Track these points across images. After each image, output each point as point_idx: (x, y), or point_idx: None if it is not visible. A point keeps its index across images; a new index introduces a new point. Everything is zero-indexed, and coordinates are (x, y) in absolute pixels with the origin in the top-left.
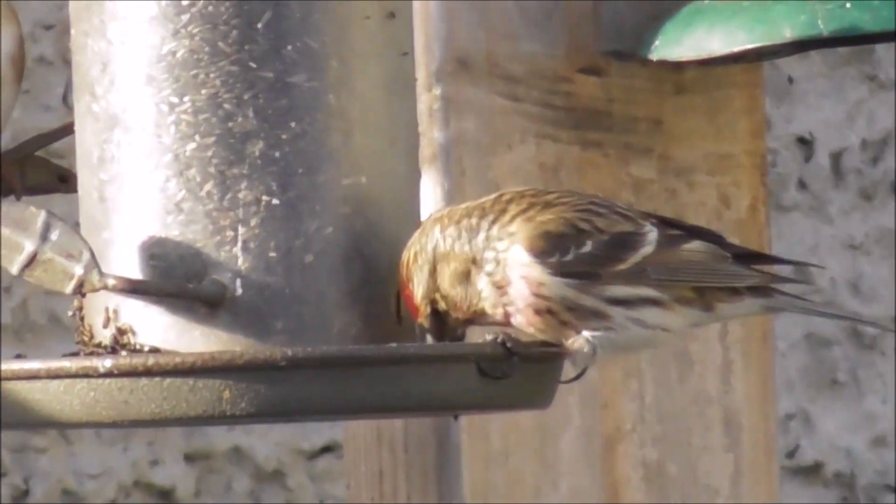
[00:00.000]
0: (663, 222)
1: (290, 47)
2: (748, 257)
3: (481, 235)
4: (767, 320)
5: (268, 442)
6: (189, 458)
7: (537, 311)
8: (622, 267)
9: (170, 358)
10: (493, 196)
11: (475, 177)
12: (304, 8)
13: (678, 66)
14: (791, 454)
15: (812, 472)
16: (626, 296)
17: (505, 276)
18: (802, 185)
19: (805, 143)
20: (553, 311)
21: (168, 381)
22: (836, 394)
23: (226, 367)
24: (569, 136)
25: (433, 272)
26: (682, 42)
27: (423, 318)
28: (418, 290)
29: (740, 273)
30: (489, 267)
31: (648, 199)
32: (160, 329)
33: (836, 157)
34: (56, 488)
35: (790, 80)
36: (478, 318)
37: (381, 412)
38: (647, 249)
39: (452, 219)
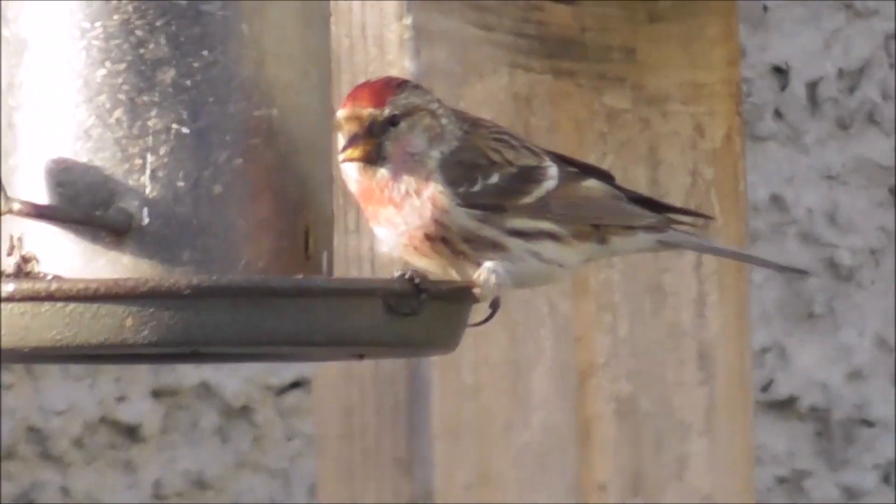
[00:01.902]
0: (560, 159)
1: None
2: (642, 200)
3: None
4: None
5: (236, 378)
6: (156, 394)
7: (428, 237)
8: (527, 200)
9: (73, 284)
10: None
11: None
12: None
13: None
14: (766, 388)
15: (787, 406)
16: (526, 228)
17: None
18: (778, 114)
19: (781, 72)
20: (448, 241)
21: (71, 306)
22: (812, 327)
23: (129, 293)
24: (541, 65)
25: (417, 109)
26: None
27: (358, 127)
28: (401, 100)
29: (637, 213)
30: (405, 156)
31: (622, 129)
32: (66, 257)
33: (812, 87)
34: (21, 425)
35: (765, 7)
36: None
37: (285, 345)
38: (550, 184)
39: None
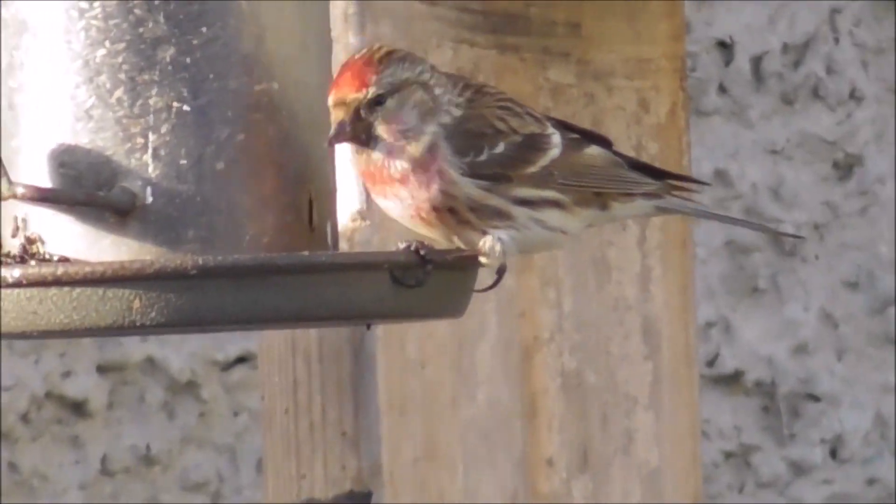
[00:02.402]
0: (561, 125)
1: None
2: (640, 167)
3: (453, 94)
4: (686, 226)
5: (182, 353)
6: (102, 369)
7: (435, 208)
8: (531, 170)
9: (79, 267)
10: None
11: None
12: None
13: None
14: (711, 362)
15: (732, 380)
16: (531, 196)
17: (419, 157)
18: (723, 89)
19: (725, 47)
20: (455, 210)
21: (78, 290)
22: (757, 301)
23: (136, 276)
24: (486, 40)
25: (406, 83)
26: None
27: (345, 110)
28: (384, 78)
29: (637, 180)
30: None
31: (566, 104)
32: (70, 238)
33: (757, 61)
34: None
35: None
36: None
37: (293, 321)
38: (554, 152)
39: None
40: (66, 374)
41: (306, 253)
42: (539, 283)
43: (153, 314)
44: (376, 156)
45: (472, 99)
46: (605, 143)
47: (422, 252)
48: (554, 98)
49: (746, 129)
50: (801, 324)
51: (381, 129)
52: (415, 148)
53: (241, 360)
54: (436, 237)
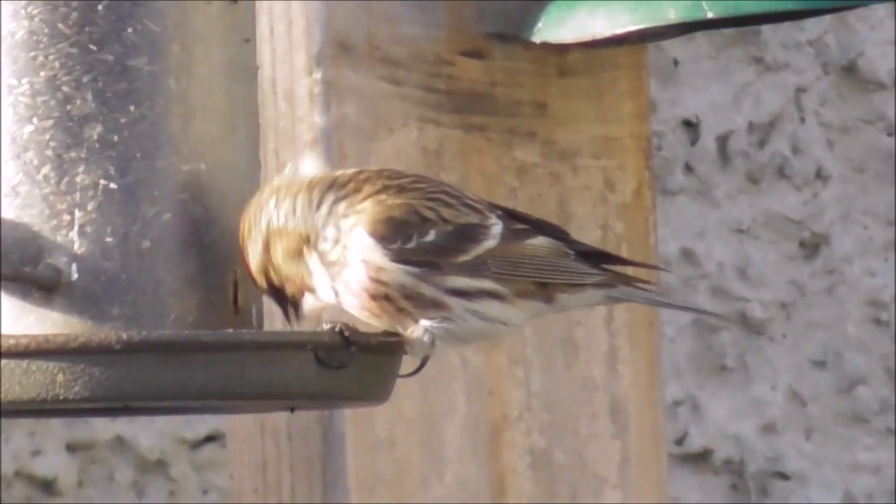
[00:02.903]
0: (510, 215)
1: (130, 30)
2: (595, 255)
3: (322, 210)
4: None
5: (151, 431)
6: (71, 447)
7: (373, 297)
8: (464, 258)
9: (3, 339)
10: (350, 171)
11: (357, 161)
12: None
13: (562, 49)
14: (679, 441)
15: (701, 459)
16: (465, 287)
17: (343, 257)
18: (689, 168)
19: (691, 126)
20: (390, 298)
21: (2, 363)
22: (725, 380)
23: (59, 349)
24: (451, 119)
25: (266, 246)
26: (565, 24)
27: (261, 291)
28: (252, 262)
29: (583, 271)
30: (324, 245)
31: (532, 184)
32: None
33: (723, 141)
34: None
35: (675, 62)
36: (312, 294)
37: (216, 398)
38: (490, 243)
39: (290, 191)
40: (36, 453)
41: (230, 330)
42: (507, 362)
43: (77, 388)
44: (306, 298)
45: (403, 189)
46: (560, 233)
47: (346, 333)
48: (520, 178)
49: (713, 208)
50: (768, 402)
51: (287, 290)
52: (310, 279)
53: (210, 438)
54: (385, 328)
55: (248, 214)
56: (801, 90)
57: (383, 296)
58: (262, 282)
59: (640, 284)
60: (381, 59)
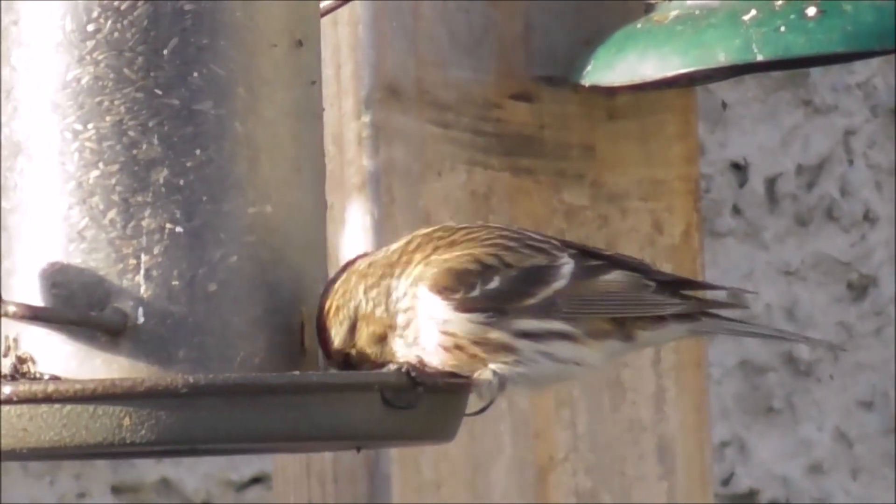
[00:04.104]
0: (585, 253)
1: (196, 74)
2: (678, 283)
3: (394, 295)
4: (700, 347)
5: (196, 473)
6: (116, 490)
7: (446, 349)
8: (531, 301)
9: (70, 384)
10: (401, 243)
11: (405, 205)
12: (210, 35)
13: (610, 92)
14: (726, 482)
15: (748, 499)
16: (533, 329)
17: (416, 327)
18: (737, 210)
19: (739, 169)
20: (461, 347)
21: (68, 408)
22: (772, 421)
23: (126, 393)
24: (500, 162)
25: (352, 329)
26: (614, 67)
27: (335, 365)
28: (335, 340)
29: (662, 302)
30: (401, 330)
31: (581, 226)
32: (61, 357)
33: (771, 183)
34: None
35: (724, 104)
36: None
37: (284, 441)
38: (560, 283)
39: (375, 278)
40: (82, 496)
41: (297, 373)
42: (554, 404)
43: (143, 432)
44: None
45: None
46: (638, 266)
47: (413, 374)
48: (568, 220)
49: (761, 250)
50: (815, 443)
51: (357, 358)
52: (394, 358)
53: (256, 480)
54: (464, 372)
55: (335, 294)
56: (849, 132)
57: (454, 346)
58: (339, 358)
59: (723, 313)
60: (430, 102)
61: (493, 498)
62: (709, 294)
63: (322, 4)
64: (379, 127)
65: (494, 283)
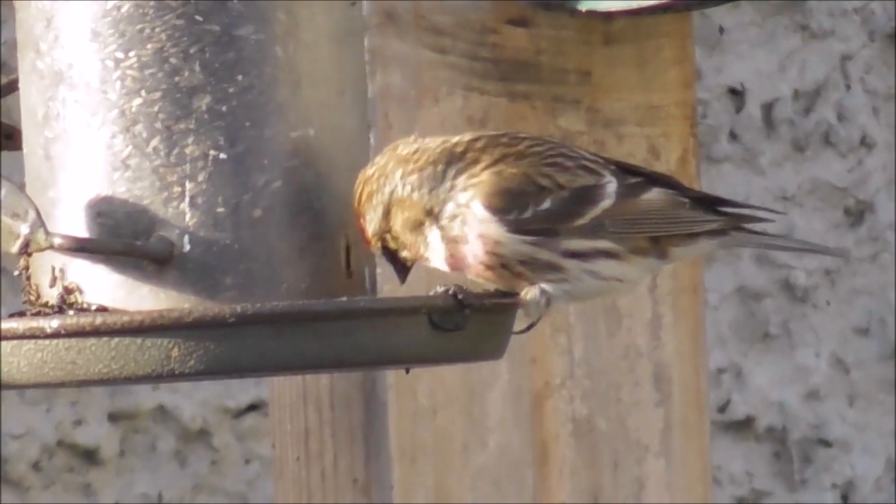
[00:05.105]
0: (623, 169)
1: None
2: (709, 200)
3: (445, 185)
4: (697, 272)
5: (193, 401)
6: (113, 417)
7: (489, 267)
8: (581, 222)
9: (117, 317)
10: (467, 138)
11: (402, 130)
12: None
13: (607, 17)
14: (722, 409)
15: (744, 426)
16: (582, 248)
17: (462, 232)
18: (733, 136)
19: (736, 94)
20: (507, 265)
21: (116, 340)
22: (768, 347)
23: (174, 324)
24: (496, 88)
25: (387, 214)
26: None
27: (375, 250)
28: (369, 226)
29: (699, 219)
30: (445, 221)
31: None
32: (108, 288)
33: (768, 108)
34: None
35: (721, 29)
36: (425, 263)
37: (333, 367)
38: (607, 203)
39: (417, 164)
40: (78, 423)
41: (344, 299)
42: (550, 331)
43: (192, 362)
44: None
45: (516, 158)
46: (672, 183)
47: (460, 296)
48: None
49: (757, 175)
50: (812, 370)
51: (402, 255)
52: (427, 251)
53: (252, 407)
54: (501, 287)
55: (370, 181)
56: (846, 58)
57: (500, 265)
58: (376, 244)
59: (753, 228)
60: (427, 27)
61: (488, 424)
62: (743, 211)
63: None
64: (376, 53)
65: (546, 205)
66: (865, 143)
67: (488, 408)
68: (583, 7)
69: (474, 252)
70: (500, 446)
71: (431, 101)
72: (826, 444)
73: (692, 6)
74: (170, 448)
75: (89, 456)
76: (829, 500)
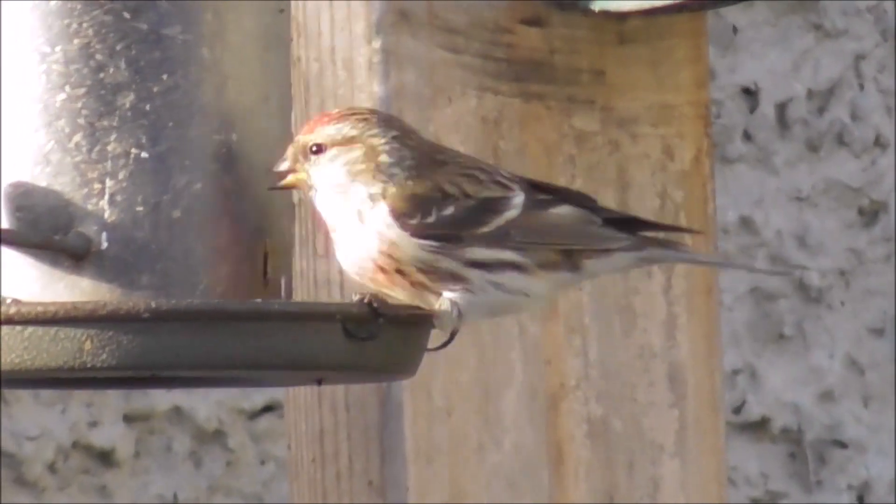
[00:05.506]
0: (538, 188)
1: None
2: (625, 222)
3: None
4: (711, 273)
5: (208, 402)
6: (128, 418)
7: (383, 269)
8: (484, 230)
9: (31, 307)
10: (440, 148)
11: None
12: None
13: (621, 17)
14: (737, 410)
15: (759, 427)
16: (485, 259)
17: (362, 223)
18: (747, 136)
19: (750, 94)
20: (403, 273)
21: (29, 330)
22: (783, 348)
23: (88, 317)
24: (510, 88)
25: (340, 147)
26: None
27: (288, 157)
28: (317, 136)
29: (608, 236)
30: (359, 203)
31: (591, 152)
32: (24, 281)
33: (782, 108)
34: None
35: (734, 29)
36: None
37: (244, 368)
38: (512, 213)
39: (400, 145)
40: (93, 424)
41: (259, 300)
42: (564, 331)
43: (104, 356)
44: (315, 201)
45: (428, 166)
46: (587, 201)
47: (374, 305)
48: (578, 146)
49: (771, 175)
50: (826, 370)
51: (315, 177)
52: (342, 203)
53: (267, 408)
54: (400, 297)
55: (363, 113)
56: (860, 57)
57: (395, 270)
58: (295, 159)
59: (671, 244)
60: (441, 27)
61: (504, 425)
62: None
63: None
64: (390, 52)
65: (450, 210)
66: (879, 142)
67: (503, 408)
68: (596, 7)
69: (367, 246)
70: (515, 447)
71: (445, 101)
72: (841, 445)
73: (706, 6)
74: (185, 449)
75: (104, 457)
76: (845, 501)
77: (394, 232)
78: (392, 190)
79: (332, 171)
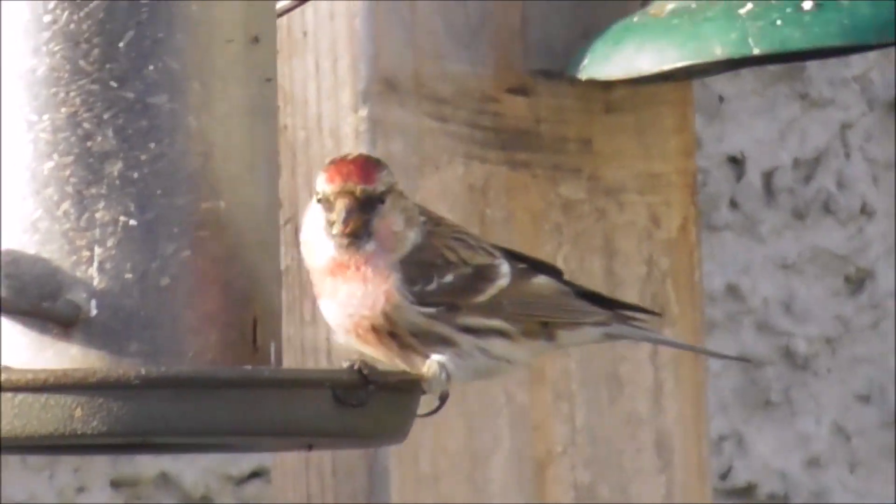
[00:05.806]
0: (509, 255)
1: (151, 67)
2: (588, 295)
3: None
4: (698, 341)
5: (196, 468)
6: (116, 484)
7: (374, 328)
8: (481, 299)
9: (21, 374)
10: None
11: None
12: (166, 28)
13: (607, 85)
14: (724, 476)
15: (746, 493)
16: (477, 325)
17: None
18: (734, 204)
19: (736, 162)
20: (395, 335)
21: (20, 397)
22: (770, 414)
23: (78, 384)
24: (497, 156)
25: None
26: (611, 60)
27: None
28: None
29: (585, 309)
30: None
31: (578, 220)
32: (13, 348)
33: (768, 176)
34: None
35: (721, 98)
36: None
37: (233, 435)
38: (503, 282)
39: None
40: (81, 490)
41: (248, 367)
42: (552, 397)
43: (95, 423)
44: (366, 249)
45: (430, 229)
46: (554, 272)
47: (364, 372)
48: (565, 214)
49: (758, 243)
50: (813, 437)
51: (377, 226)
52: (400, 248)
53: (255, 474)
54: (376, 356)
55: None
56: (846, 126)
57: (388, 332)
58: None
59: (636, 322)
60: (427, 96)
61: (491, 492)
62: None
63: (278, 5)
64: (376, 121)
65: (449, 278)
66: (865, 211)
67: (491, 475)
68: (583, 75)
69: (371, 304)
70: None
71: (432, 169)
72: None
73: (692, 75)
74: None
75: None
76: None
77: (399, 296)
78: (407, 252)
79: (396, 218)
